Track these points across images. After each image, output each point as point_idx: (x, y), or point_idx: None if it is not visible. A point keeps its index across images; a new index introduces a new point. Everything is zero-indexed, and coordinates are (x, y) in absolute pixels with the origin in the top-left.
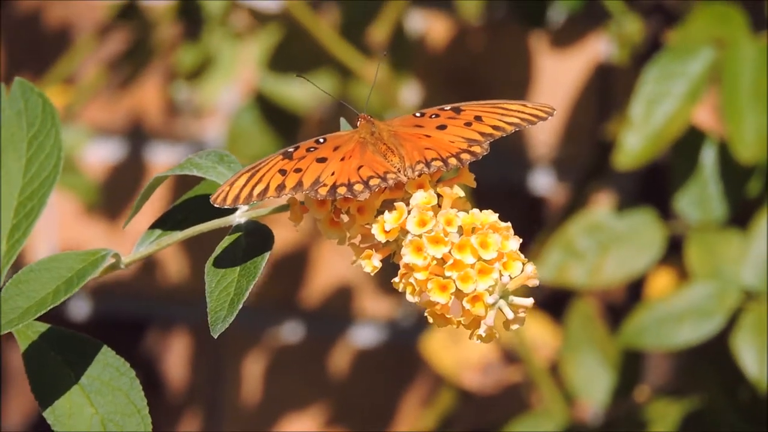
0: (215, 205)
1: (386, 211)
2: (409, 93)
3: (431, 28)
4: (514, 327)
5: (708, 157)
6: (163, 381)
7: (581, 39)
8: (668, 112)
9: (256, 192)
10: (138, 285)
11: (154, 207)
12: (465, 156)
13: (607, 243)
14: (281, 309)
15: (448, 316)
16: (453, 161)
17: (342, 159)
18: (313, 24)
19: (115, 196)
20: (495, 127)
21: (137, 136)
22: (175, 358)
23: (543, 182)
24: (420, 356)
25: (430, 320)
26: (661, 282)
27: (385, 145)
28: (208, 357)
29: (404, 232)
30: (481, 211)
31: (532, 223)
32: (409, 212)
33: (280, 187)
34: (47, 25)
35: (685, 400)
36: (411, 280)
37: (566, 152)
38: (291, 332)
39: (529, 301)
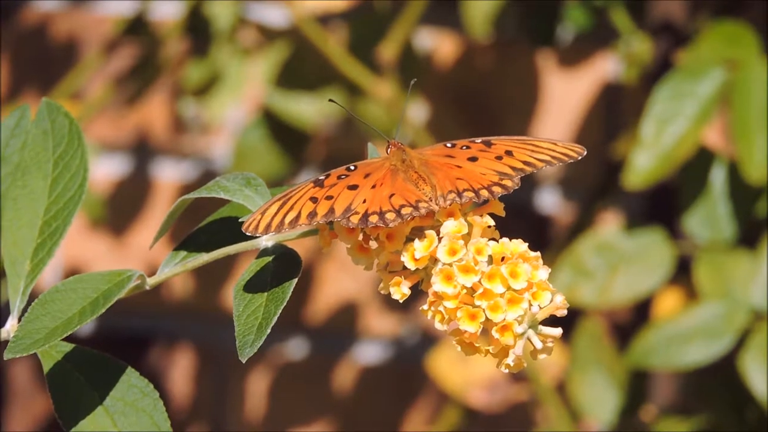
0: (247, 234)
1: (416, 239)
2: (417, 110)
3: (439, 46)
4: (542, 357)
5: (717, 177)
6: (168, 397)
7: (589, 58)
8: (679, 132)
9: (287, 220)
10: (142, 300)
11: (158, 224)
12: (497, 189)
13: (616, 262)
14: (286, 326)
15: (476, 345)
16: (485, 193)
17: (373, 186)
18: (322, 41)
19: (120, 211)
20: (526, 163)
21: (143, 151)
22: (180, 374)
23: (549, 201)
24: (425, 374)
25: (458, 348)
26: (668, 302)
27: (417, 173)
28: (213, 373)
29: (434, 260)
30: (510, 240)
31: (539, 242)
32: (439, 240)
33: (312, 215)
34: (54, 39)
35: (692, 419)
36: (440, 308)
37: (573, 171)
38: (296, 349)
39: (558, 331)
